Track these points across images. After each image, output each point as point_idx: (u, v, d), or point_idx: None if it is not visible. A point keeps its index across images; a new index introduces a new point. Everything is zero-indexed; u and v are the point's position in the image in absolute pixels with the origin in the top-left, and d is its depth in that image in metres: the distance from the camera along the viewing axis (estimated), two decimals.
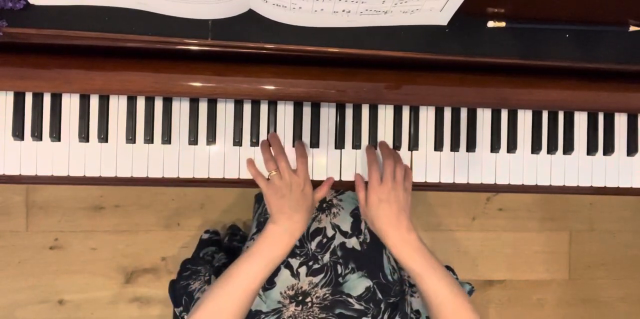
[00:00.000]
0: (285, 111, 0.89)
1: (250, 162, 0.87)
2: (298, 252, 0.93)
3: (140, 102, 0.86)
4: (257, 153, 0.88)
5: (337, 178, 0.89)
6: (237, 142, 0.88)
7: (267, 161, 0.84)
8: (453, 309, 0.78)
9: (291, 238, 0.81)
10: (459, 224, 1.68)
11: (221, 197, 1.59)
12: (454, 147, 0.91)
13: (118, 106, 0.86)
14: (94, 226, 1.56)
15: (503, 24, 0.78)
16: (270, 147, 0.86)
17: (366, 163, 0.86)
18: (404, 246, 0.80)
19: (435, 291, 0.79)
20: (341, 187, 0.95)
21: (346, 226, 0.96)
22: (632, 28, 0.80)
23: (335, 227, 0.96)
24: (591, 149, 0.94)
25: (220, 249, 1.23)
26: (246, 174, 0.88)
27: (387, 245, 0.81)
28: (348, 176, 0.90)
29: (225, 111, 0.88)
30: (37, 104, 0.84)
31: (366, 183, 0.84)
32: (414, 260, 0.80)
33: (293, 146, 0.88)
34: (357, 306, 0.87)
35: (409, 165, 0.91)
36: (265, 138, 0.88)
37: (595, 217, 1.74)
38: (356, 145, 0.89)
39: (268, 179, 0.84)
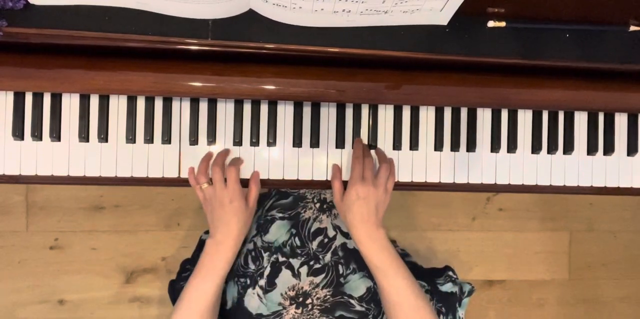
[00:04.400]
0: (285, 111, 0.89)
1: (190, 171, 0.86)
2: (299, 252, 0.93)
3: (140, 102, 0.86)
4: (257, 153, 0.88)
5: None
6: (237, 142, 0.88)
7: (199, 173, 0.84)
8: (414, 310, 0.79)
9: (227, 248, 0.83)
10: (459, 224, 1.68)
11: None
12: (454, 147, 0.91)
13: (118, 105, 0.86)
14: (94, 226, 1.56)
15: (503, 24, 0.78)
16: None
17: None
18: (370, 242, 0.81)
19: (397, 288, 0.80)
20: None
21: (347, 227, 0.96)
22: (632, 28, 0.80)
23: (336, 228, 0.96)
24: (591, 149, 0.94)
25: None
26: (246, 175, 0.88)
27: (354, 239, 0.83)
28: (348, 176, 0.89)
29: (225, 111, 0.88)
30: (37, 104, 0.84)
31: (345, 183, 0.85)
32: (378, 257, 0.81)
33: (293, 146, 0.88)
34: (358, 308, 0.87)
35: (408, 165, 0.91)
36: (265, 139, 0.88)
37: (595, 217, 1.74)
38: None
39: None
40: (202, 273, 0.83)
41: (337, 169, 0.88)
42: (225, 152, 0.87)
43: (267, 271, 0.90)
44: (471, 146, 0.91)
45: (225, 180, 0.83)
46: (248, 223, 0.87)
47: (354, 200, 0.81)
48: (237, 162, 0.86)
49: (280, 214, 0.97)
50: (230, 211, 0.83)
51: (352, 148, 0.88)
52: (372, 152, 0.89)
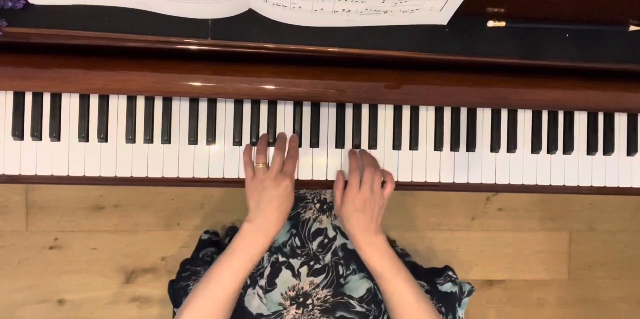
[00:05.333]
0: (285, 111, 0.89)
1: (248, 149, 0.86)
2: (300, 252, 0.93)
3: (140, 102, 0.86)
4: (291, 136, 0.88)
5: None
6: (237, 142, 0.88)
7: (260, 152, 0.84)
8: (415, 313, 0.79)
9: (267, 237, 0.80)
10: (459, 224, 1.68)
11: (221, 197, 1.59)
12: (454, 147, 0.91)
13: (118, 106, 0.86)
14: (94, 226, 1.56)
15: (503, 24, 0.78)
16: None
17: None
18: (370, 248, 0.82)
19: (399, 292, 0.80)
20: None
21: None
22: (632, 28, 0.80)
23: (337, 228, 0.96)
24: (591, 149, 0.94)
25: (220, 250, 1.23)
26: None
27: (354, 246, 0.83)
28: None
29: (225, 111, 0.88)
30: (37, 104, 0.84)
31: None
32: (379, 262, 0.81)
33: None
34: (358, 309, 0.87)
35: (408, 165, 0.91)
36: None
37: (595, 217, 1.74)
38: (356, 145, 0.89)
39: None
40: (237, 254, 0.78)
41: (341, 178, 0.87)
42: (284, 136, 0.87)
43: (267, 271, 0.90)
44: (471, 146, 0.91)
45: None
46: (286, 218, 0.83)
47: (352, 212, 0.82)
48: (297, 150, 0.86)
49: None
50: (284, 197, 0.80)
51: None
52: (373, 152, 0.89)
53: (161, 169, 0.87)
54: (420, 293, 0.81)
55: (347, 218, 0.83)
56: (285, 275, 0.90)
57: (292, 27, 0.77)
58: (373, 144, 0.90)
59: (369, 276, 0.91)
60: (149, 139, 0.86)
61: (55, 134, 0.84)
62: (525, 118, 0.93)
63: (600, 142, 0.94)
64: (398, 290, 0.80)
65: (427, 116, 0.91)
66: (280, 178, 0.81)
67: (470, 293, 0.95)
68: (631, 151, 0.95)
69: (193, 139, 0.87)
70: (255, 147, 0.87)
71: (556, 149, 0.93)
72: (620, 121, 0.95)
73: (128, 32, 0.75)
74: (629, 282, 1.75)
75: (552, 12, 0.81)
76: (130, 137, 0.86)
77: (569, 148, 0.93)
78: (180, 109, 0.87)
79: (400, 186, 0.91)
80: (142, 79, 0.79)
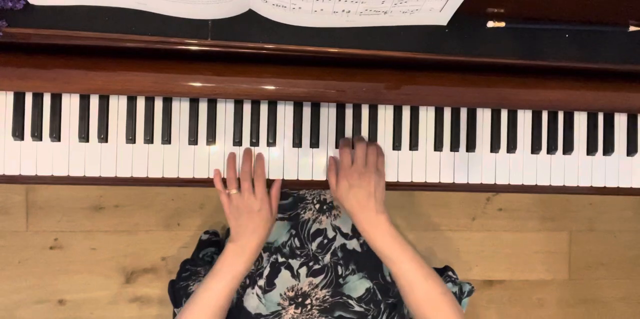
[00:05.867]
0: (285, 111, 0.89)
1: (217, 175, 0.86)
2: (299, 252, 0.93)
3: (140, 102, 0.86)
4: (256, 153, 0.88)
5: None
6: (237, 142, 0.88)
7: (230, 179, 0.85)
8: (425, 291, 0.78)
9: (247, 258, 0.83)
10: (459, 224, 1.68)
11: None
12: (454, 147, 0.91)
13: (118, 106, 0.86)
14: (94, 226, 1.56)
15: (503, 24, 0.78)
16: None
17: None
18: (372, 228, 0.80)
19: (404, 271, 0.79)
20: None
21: (347, 228, 0.96)
22: (632, 28, 0.80)
23: (336, 228, 0.96)
24: (591, 149, 0.94)
25: (220, 250, 1.23)
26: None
27: (357, 228, 0.82)
28: None
29: (225, 111, 0.88)
30: (37, 104, 0.84)
31: None
32: (383, 242, 0.80)
33: (293, 146, 0.88)
34: (357, 308, 0.87)
35: (408, 165, 0.91)
36: (265, 139, 0.88)
37: (595, 218, 1.74)
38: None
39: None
40: (220, 275, 0.82)
41: (333, 162, 0.87)
42: (250, 153, 0.87)
43: (266, 271, 0.90)
44: (471, 146, 0.91)
45: (253, 187, 0.84)
46: (271, 230, 0.86)
47: (348, 188, 0.81)
48: (263, 169, 0.86)
49: (280, 215, 0.97)
50: (258, 219, 0.83)
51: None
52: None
53: (161, 169, 0.87)
54: (429, 271, 0.80)
55: (344, 197, 0.81)
56: (284, 275, 0.90)
57: (292, 27, 0.77)
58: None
59: (368, 276, 0.91)
60: (149, 139, 0.86)
61: (55, 134, 0.85)
62: (524, 118, 0.93)
63: (599, 142, 0.94)
64: (403, 269, 0.79)
65: (426, 116, 0.91)
66: (252, 203, 0.83)
67: (470, 293, 0.96)
68: (631, 151, 0.95)
69: (193, 139, 0.87)
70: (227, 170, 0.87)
71: (556, 149, 0.93)
72: (620, 121, 0.95)
73: (128, 32, 0.75)
74: (629, 282, 1.75)
75: (551, 12, 0.81)
76: (130, 138, 0.86)
77: (568, 148, 0.93)
78: (180, 109, 0.87)
79: (400, 186, 0.91)
80: (142, 79, 0.79)
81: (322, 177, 0.89)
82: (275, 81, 0.81)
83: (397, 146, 0.90)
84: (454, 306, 0.78)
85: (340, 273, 0.91)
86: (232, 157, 0.86)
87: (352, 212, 0.81)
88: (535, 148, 0.93)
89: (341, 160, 0.83)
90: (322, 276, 0.90)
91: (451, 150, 0.91)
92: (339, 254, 0.93)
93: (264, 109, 0.88)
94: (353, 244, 0.95)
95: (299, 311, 0.87)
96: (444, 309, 0.78)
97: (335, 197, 0.85)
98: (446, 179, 0.91)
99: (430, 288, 0.78)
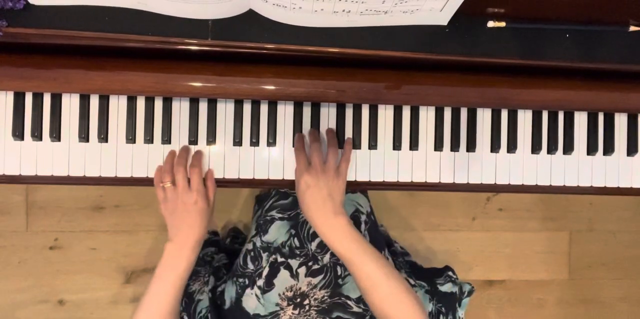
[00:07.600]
0: (285, 111, 0.89)
1: (158, 170, 0.85)
2: (298, 252, 0.93)
3: (140, 102, 0.86)
4: (257, 153, 0.88)
5: None
6: (237, 142, 0.88)
7: (165, 171, 0.83)
8: (388, 292, 0.76)
9: (189, 252, 0.81)
10: (459, 224, 1.68)
11: (221, 197, 1.59)
12: (454, 147, 0.91)
13: (118, 106, 0.86)
14: (94, 226, 1.56)
15: (503, 24, 0.78)
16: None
17: (365, 163, 0.86)
18: (330, 231, 0.79)
19: (367, 273, 0.77)
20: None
21: None
22: (632, 28, 0.80)
23: None
24: (591, 149, 0.94)
25: (220, 250, 1.23)
26: (246, 174, 0.88)
27: (316, 231, 0.80)
28: (349, 176, 0.89)
29: (225, 111, 0.88)
30: (37, 104, 0.84)
31: None
32: (342, 245, 0.78)
33: (293, 146, 0.88)
34: (355, 309, 0.87)
35: (408, 165, 0.91)
36: (265, 139, 0.88)
37: (595, 217, 1.74)
38: (356, 145, 0.89)
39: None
40: (163, 279, 0.80)
41: (300, 138, 0.86)
42: (187, 149, 0.86)
43: (265, 271, 0.90)
44: (471, 146, 0.91)
45: (189, 180, 0.82)
46: (209, 223, 0.85)
47: (304, 190, 0.80)
48: (199, 161, 0.85)
49: (280, 215, 0.97)
50: (194, 213, 0.81)
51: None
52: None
53: None
54: (391, 271, 0.78)
55: (301, 199, 0.80)
56: (283, 275, 0.90)
57: (292, 27, 0.77)
58: (373, 144, 0.90)
59: None
60: (149, 139, 0.86)
61: (55, 134, 0.85)
62: (525, 118, 0.93)
63: (600, 142, 0.94)
64: (365, 271, 0.77)
65: (427, 116, 0.91)
66: (187, 197, 0.81)
67: (470, 293, 0.96)
68: (631, 151, 0.95)
69: (193, 139, 0.87)
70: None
71: (556, 149, 0.93)
72: (620, 121, 0.95)
73: (128, 32, 0.75)
74: (629, 282, 1.75)
75: (552, 12, 0.81)
76: (130, 137, 0.86)
77: (568, 148, 0.93)
78: (180, 109, 0.87)
79: (400, 186, 0.91)
80: (142, 79, 0.79)
81: None
82: (276, 81, 0.81)
83: (397, 145, 0.90)
84: (416, 304, 0.77)
85: (339, 273, 0.91)
86: (171, 152, 0.86)
87: (308, 215, 0.80)
88: (536, 148, 0.93)
89: (297, 162, 0.82)
90: (321, 276, 0.90)
91: (451, 150, 0.91)
92: None
93: (264, 109, 0.88)
94: None
95: (297, 312, 0.87)
96: (405, 307, 0.76)
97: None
98: (446, 179, 0.91)
99: (392, 287, 0.77)
